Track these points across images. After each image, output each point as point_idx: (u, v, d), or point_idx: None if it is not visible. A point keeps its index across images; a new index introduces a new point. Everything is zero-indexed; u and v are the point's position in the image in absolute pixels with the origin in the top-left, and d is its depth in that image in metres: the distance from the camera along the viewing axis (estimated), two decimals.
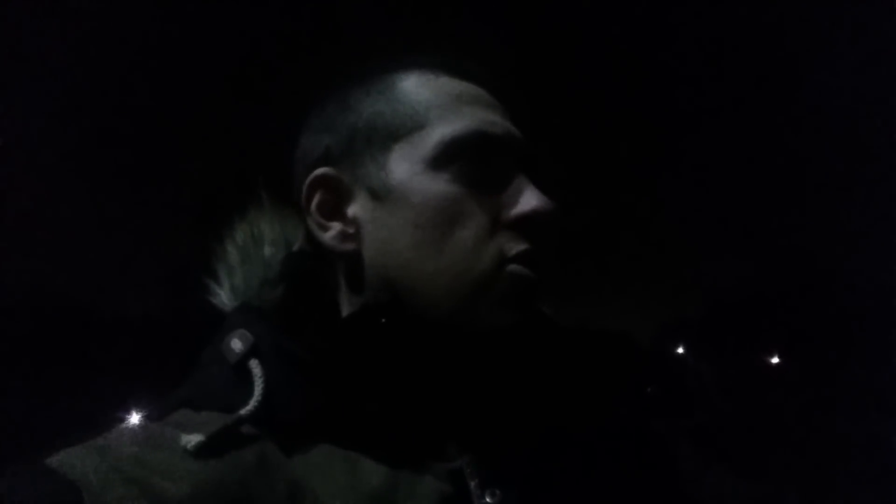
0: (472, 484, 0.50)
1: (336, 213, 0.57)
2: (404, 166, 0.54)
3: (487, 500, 0.50)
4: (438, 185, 0.53)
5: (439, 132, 0.54)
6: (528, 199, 0.54)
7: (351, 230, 0.56)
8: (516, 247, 0.53)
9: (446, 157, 0.53)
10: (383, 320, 0.52)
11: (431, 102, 0.56)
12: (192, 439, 0.43)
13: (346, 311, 0.56)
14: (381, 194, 0.55)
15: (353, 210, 0.56)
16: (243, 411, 0.46)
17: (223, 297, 0.58)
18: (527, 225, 0.54)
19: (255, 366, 0.49)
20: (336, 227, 0.56)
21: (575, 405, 0.59)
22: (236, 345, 0.50)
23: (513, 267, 0.53)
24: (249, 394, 0.47)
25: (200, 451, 0.43)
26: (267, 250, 0.59)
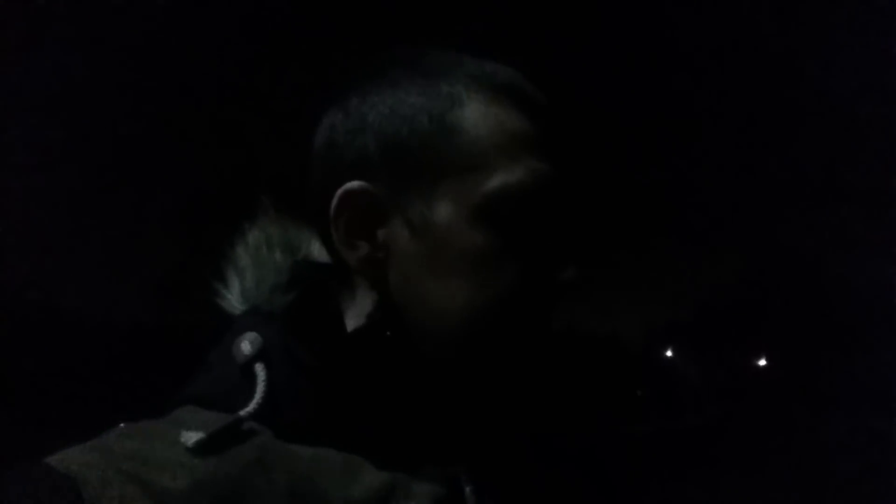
0: (467, 490, 0.52)
1: (365, 232, 0.52)
2: (450, 208, 0.51)
3: None
4: (483, 238, 0.50)
5: (493, 181, 0.50)
6: (564, 269, 0.54)
7: (379, 255, 0.52)
8: (537, 314, 0.54)
9: (495, 209, 0.50)
10: (384, 345, 0.51)
11: (491, 142, 0.51)
12: (192, 436, 0.43)
13: (351, 324, 0.54)
14: (419, 229, 0.51)
15: (384, 234, 0.52)
16: (243, 411, 0.47)
17: (232, 300, 0.58)
18: (555, 294, 0.54)
19: (259, 369, 0.50)
20: (363, 247, 0.52)
21: (567, 412, 0.60)
22: (245, 347, 0.51)
23: (526, 334, 0.53)
24: (252, 395, 0.48)
25: (201, 448, 0.43)
26: (279, 255, 0.58)
